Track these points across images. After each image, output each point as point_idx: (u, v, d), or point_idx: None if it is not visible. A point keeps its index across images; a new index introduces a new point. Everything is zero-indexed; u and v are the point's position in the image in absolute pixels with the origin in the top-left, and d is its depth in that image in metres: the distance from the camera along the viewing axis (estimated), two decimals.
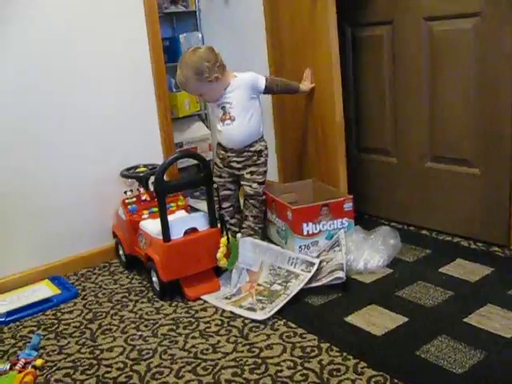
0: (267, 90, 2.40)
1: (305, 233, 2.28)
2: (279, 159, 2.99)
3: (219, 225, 2.13)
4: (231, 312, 1.97)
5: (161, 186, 1.97)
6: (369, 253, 2.19)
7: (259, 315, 1.90)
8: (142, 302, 2.11)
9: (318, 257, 2.19)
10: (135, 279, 2.31)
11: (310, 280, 2.04)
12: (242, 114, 2.31)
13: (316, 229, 2.30)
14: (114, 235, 2.43)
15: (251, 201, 2.40)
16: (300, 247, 2.26)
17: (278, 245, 2.37)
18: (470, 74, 2.21)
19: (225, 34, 3.25)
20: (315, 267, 2.08)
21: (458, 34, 2.21)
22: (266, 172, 2.42)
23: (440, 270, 2.13)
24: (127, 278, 2.33)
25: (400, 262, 2.23)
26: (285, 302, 1.94)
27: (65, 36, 2.30)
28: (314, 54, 2.50)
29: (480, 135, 2.23)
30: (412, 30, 2.37)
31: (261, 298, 2.02)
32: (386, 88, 2.54)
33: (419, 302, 1.92)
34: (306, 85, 2.51)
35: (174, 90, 3.33)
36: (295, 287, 2.01)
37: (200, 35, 3.32)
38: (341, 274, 2.03)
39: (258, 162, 2.37)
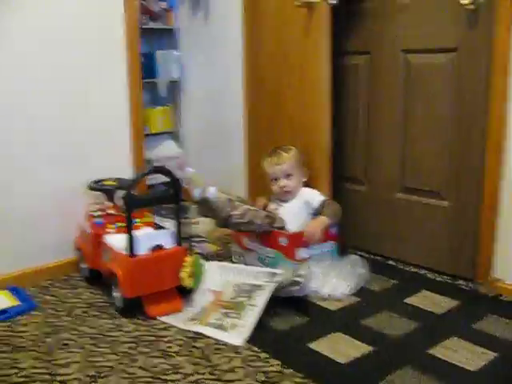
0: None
1: (298, 258, 2.26)
2: (249, 181, 2.98)
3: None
4: (200, 333, 1.90)
5: (130, 199, 1.93)
6: (336, 280, 2.18)
7: (233, 337, 1.86)
8: (103, 318, 2.04)
9: None
10: (97, 294, 2.23)
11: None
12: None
13: (307, 253, 2.29)
14: (77, 248, 2.36)
15: None
16: (293, 271, 2.21)
17: None
18: (444, 108, 2.25)
19: (202, 54, 3.26)
20: (279, 276, 2.05)
21: (435, 67, 2.26)
22: None
23: (405, 301, 2.13)
24: (89, 292, 2.25)
25: (366, 291, 2.22)
26: (256, 316, 1.91)
27: (42, 42, 2.26)
28: (301, 79, 2.52)
29: (451, 169, 2.27)
30: (389, 61, 2.41)
31: (226, 310, 1.99)
32: (360, 117, 2.57)
33: (384, 331, 1.91)
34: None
35: (148, 105, 3.30)
36: (260, 296, 1.98)
37: (177, 53, 3.31)
38: (299, 279, 2.02)
39: None
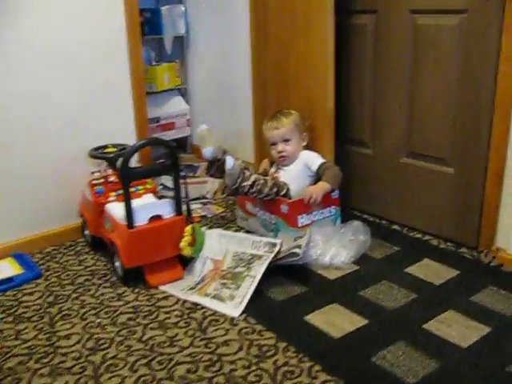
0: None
1: (299, 225, 2.26)
2: (257, 141, 2.94)
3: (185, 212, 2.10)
4: (197, 304, 1.94)
5: (126, 173, 1.93)
6: (336, 248, 2.18)
7: (230, 308, 1.89)
8: (105, 287, 2.08)
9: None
10: (100, 261, 2.27)
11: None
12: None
13: (309, 219, 2.29)
14: (81, 214, 2.39)
15: None
16: (295, 239, 2.21)
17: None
18: (452, 71, 2.16)
19: (208, 9, 3.16)
20: (278, 247, 2.07)
21: (443, 29, 2.16)
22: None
23: (406, 270, 2.12)
24: (92, 259, 2.30)
25: (367, 258, 2.22)
26: (253, 288, 1.93)
27: (32, 3, 2.20)
28: (306, 40, 2.45)
29: (458, 135, 2.20)
30: (397, 21, 2.31)
31: (224, 281, 2.01)
32: (367, 78, 2.49)
33: (381, 303, 1.91)
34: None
35: (154, 62, 3.25)
36: (258, 267, 2.00)
37: (183, 8, 3.22)
38: (297, 250, 2.02)
39: None
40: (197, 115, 3.43)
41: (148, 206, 2.06)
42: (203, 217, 2.62)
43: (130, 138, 2.48)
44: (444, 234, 2.34)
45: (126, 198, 1.94)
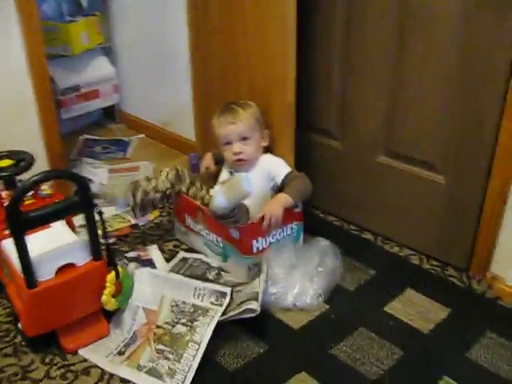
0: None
1: (254, 251, 1.81)
2: (198, 116, 2.40)
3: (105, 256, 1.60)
4: (128, 380, 1.49)
5: (16, 220, 1.40)
6: (301, 283, 1.75)
7: None
8: (6, 355, 1.59)
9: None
10: (4, 306, 1.77)
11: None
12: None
13: (266, 242, 1.83)
14: None
15: None
16: (249, 268, 1.79)
17: (206, 256, 1.95)
18: (450, 57, 1.66)
19: None
20: (227, 299, 1.65)
21: (443, 3, 1.63)
22: None
23: (386, 309, 1.73)
24: None
25: (338, 291, 1.80)
26: (198, 360, 1.49)
27: None
28: (258, 15, 1.88)
29: (452, 137, 1.74)
30: None
31: (162, 347, 1.57)
32: (336, 56, 1.96)
33: (359, 368, 1.52)
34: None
35: (68, 18, 2.59)
36: (204, 329, 1.57)
37: None
38: (254, 306, 1.59)
39: None
40: (126, 79, 2.83)
41: (54, 253, 1.53)
42: (134, 226, 2.13)
43: (34, 138, 1.93)
44: (427, 250, 1.95)
45: (21, 252, 1.43)
